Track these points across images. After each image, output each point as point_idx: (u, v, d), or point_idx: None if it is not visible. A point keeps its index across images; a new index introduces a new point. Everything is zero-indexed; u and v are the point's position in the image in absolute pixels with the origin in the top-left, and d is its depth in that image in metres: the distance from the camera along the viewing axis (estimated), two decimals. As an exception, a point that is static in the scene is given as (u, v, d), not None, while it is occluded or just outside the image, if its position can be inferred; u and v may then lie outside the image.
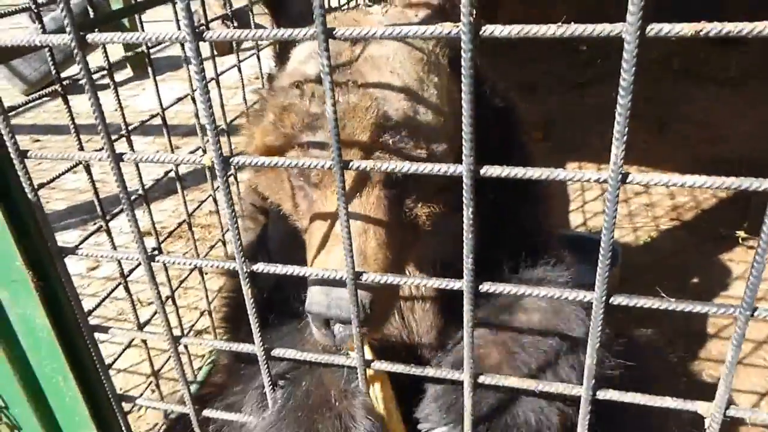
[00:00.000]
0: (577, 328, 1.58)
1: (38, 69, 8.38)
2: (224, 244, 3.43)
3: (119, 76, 8.82)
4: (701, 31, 0.75)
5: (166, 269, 2.80)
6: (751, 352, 3.45)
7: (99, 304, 2.27)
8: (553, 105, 6.78)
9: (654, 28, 0.76)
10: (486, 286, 1.05)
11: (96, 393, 1.58)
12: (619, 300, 0.99)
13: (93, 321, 1.49)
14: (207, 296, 3.13)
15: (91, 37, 0.99)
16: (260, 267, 1.18)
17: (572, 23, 0.79)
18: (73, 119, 2.05)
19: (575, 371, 1.52)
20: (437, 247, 1.78)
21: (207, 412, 1.50)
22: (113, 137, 1.13)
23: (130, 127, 2.41)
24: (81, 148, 2.03)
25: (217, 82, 2.84)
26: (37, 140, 7.26)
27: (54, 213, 5.43)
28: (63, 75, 2.04)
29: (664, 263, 4.24)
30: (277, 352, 1.31)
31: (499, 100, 1.86)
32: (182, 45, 2.13)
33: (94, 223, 4.84)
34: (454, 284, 1.08)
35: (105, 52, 2.22)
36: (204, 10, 2.93)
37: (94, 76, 1.22)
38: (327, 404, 1.44)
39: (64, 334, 1.49)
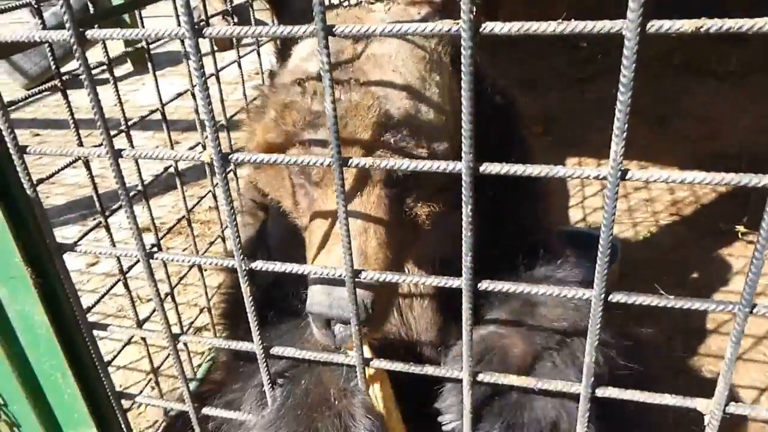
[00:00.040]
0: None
1: (38, 63, 8.38)
2: (224, 240, 3.43)
3: (119, 71, 8.83)
4: (701, 27, 0.74)
5: (165, 266, 2.80)
6: (750, 348, 3.45)
7: (98, 302, 2.27)
8: (554, 101, 6.77)
9: (654, 25, 0.76)
10: (485, 284, 1.05)
11: (95, 390, 1.58)
12: (618, 297, 0.99)
13: (92, 317, 1.49)
14: (206, 293, 3.13)
15: (90, 34, 0.99)
16: (259, 265, 1.17)
17: (572, 20, 0.79)
18: (72, 115, 2.05)
19: (597, 365, 1.52)
20: (436, 245, 1.78)
21: (206, 410, 1.50)
22: (113, 132, 1.13)
23: (129, 123, 2.41)
24: (80, 144, 2.03)
25: (217, 78, 2.84)
26: (37, 134, 7.26)
27: (54, 208, 5.43)
28: (63, 70, 2.03)
29: (664, 258, 4.24)
30: (276, 350, 1.31)
31: (500, 96, 1.86)
32: (182, 41, 2.12)
33: (94, 218, 4.85)
34: (453, 282, 1.08)
35: (105, 47, 2.22)
36: (204, 6, 2.93)
37: (94, 71, 1.22)
38: (326, 403, 1.44)
39: (63, 330, 1.48)
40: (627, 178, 0.86)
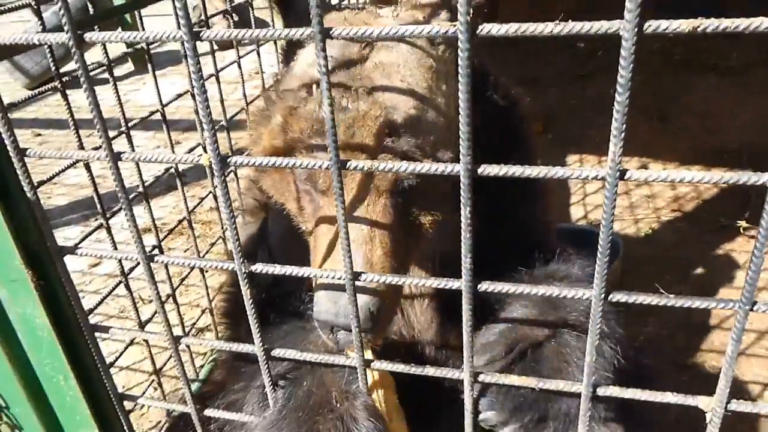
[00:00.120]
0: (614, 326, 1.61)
1: (40, 63, 8.37)
2: (224, 241, 3.43)
3: (120, 70, 8.83)
4: (698, 27, 0.74)
5: (166, 267, 2.79)
6: (753, 343, 3.45)
7: (99, 303, 2.27)
8: (554, 98, 6.76)
9: (651, 25, 0.76)
10: (485, 285, 1.05)
11: (97, 392, 1.58)
12: (618, 297, 0.99)
13: (95, 318, 1.49)
14: (208, 294, 3.13)
15: (89, 36, 0.99)
16: (259, 267, 1.17)
17: (569, 21, 0.79)
18: (72, 116, 2.04)
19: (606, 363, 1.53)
20: (436, 245, 1.79)
21: (208, 412, 1.50)
22: (113, 133, 1.12)
23: (130, 123, 2.40)
24: (81, 145, 2.03)
25: (217, 78, 2.83)
26: (39, 134, 7.24)
27: (55, 208, 5.43)
28: (64, 69, 2.03)
29: (666, 255, 4.23)
30: (278, 352, 1.31)
31: (503, 98, 1.86)
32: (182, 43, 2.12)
33: (96, 219, 4.85)
34: (452, 284, 1.08)
35: (105, 48, 2.22)
36: (204, 5, 2.92)
37: (95, 71, 1.22)
38: (328, 405, 1.44)
39: (65, 333, 1.49)
40: (626, 178, 0.86)
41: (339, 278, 1.14)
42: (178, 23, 0.95)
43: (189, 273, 3.28)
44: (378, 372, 1.47)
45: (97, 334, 1.45)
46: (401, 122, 1.42)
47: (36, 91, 1.97)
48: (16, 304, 1.44)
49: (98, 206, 2.25)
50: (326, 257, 1.42)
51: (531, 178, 0.91)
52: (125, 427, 1.60)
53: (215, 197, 3.21)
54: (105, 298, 2.34)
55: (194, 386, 2.89)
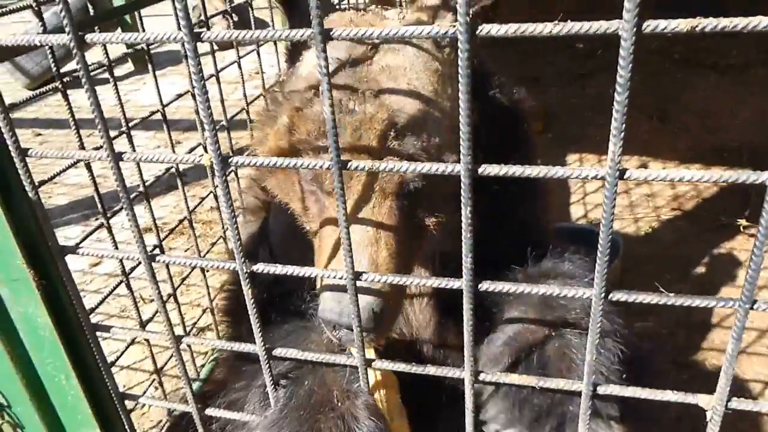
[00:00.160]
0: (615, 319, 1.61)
1: (40, 63, 8.36)
2: (225, 240, 3.43)
3: (121, 70, 8.82)
4: (697, 26, 0.75)
5: (167, 266, 2.80)
6: (754, 341, 3.45)
7: (100, 303, 2.27)
8: (554, 97, 6.76)
9: (650, 25, 0.76)
10: (485, 285, 1.05)
11: (98, 391, 1.58)
12: (618, 296, 0.99)
13: (96, 318, 1.49)
14: (209, 293, 3.13)
15: (89, 37, 0.99)
16: (261, 267, 1.17)
17: (569, 21, 0.79)
18: (73, 116, 2.04)
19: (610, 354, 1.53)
20: (437, 244, 1.79)
21: (209, 411, 1.50)
22: (114, 132, 1.13)
23: (130, 124, 2.41)
24: (81, 145, 2.03)
25: (217, 78, 2.84)
26: (39, 134, 7.24)
27: (56, 208, 5.43)
28: (64, 69, 2.03)
29: (666, 254, 4.23)
30: (279, 351, 1.32)
31: (507, 99, 1.86)
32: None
33: (96, 218, 4.85)
34: (453, 284, 1.08)
35: (105, 49, 2.22)
36: (204, 5, 2.92)
37: (95, 72, 1.22)
38: (330, 404, 1.44)
39: (66, 332, 1.49)
40: (625, 177, 0.86)
41: (341, 278, 1.14)
42: (179, 24, 0.96)
43: (190, 272, 3.28)
44: (381, 372, 1.47)
45: (98, 334, 1.45)
46: (407, 125, 1.42)
47: (37, 91, 1.98)
48: (17, 304, 1.45)
49: (99, 206, 2.25)
50: (331, 257, 1.43)
51: (531, 177, 0.91)
52: (126, 427, 1.60)
53: (216, 197, 3.21)
54: (106, 297, 2.34)
55: (195, 385, 2.89)
